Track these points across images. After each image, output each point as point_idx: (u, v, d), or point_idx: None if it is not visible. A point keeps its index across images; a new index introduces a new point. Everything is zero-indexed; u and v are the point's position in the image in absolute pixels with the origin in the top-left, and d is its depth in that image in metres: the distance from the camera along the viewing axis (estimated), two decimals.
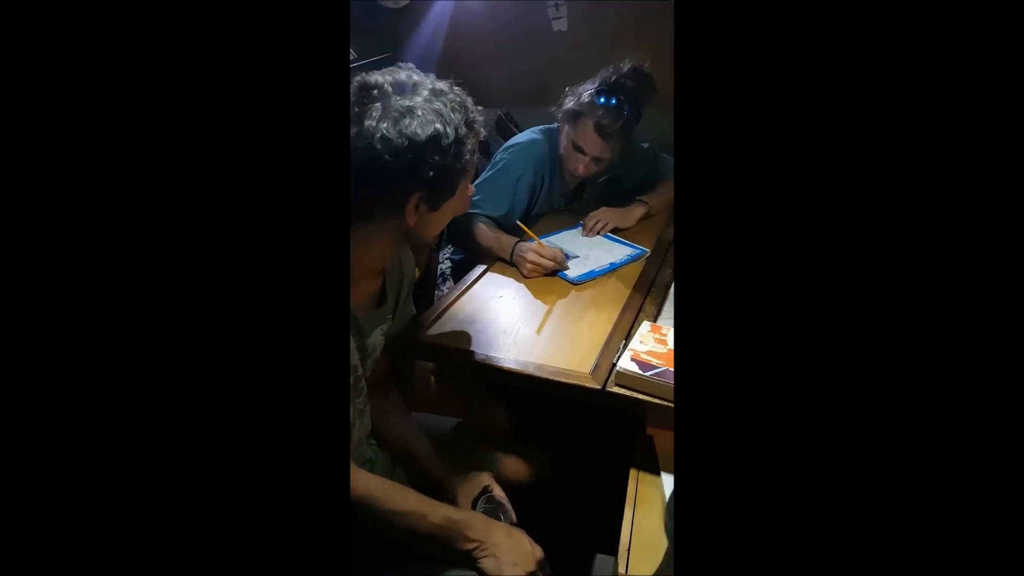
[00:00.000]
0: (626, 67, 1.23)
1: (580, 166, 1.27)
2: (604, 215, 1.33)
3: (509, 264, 1.16)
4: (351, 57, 1.56)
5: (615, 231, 1.33)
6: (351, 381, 0.77)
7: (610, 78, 1.22)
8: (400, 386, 0.96)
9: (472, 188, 0.79)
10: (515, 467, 0.95)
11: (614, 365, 0.81)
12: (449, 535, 0.71)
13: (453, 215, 0.77)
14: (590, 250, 1.24)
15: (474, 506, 0.81)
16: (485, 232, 1.20)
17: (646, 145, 1.47)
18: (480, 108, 0.72)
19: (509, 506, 0.82)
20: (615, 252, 1.23)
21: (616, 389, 0.79)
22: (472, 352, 0.90)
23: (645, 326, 0.88)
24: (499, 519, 0.78)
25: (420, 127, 0.64)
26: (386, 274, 0.83)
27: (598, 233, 1.31)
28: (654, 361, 0.78)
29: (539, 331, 0.96)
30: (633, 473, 0.75)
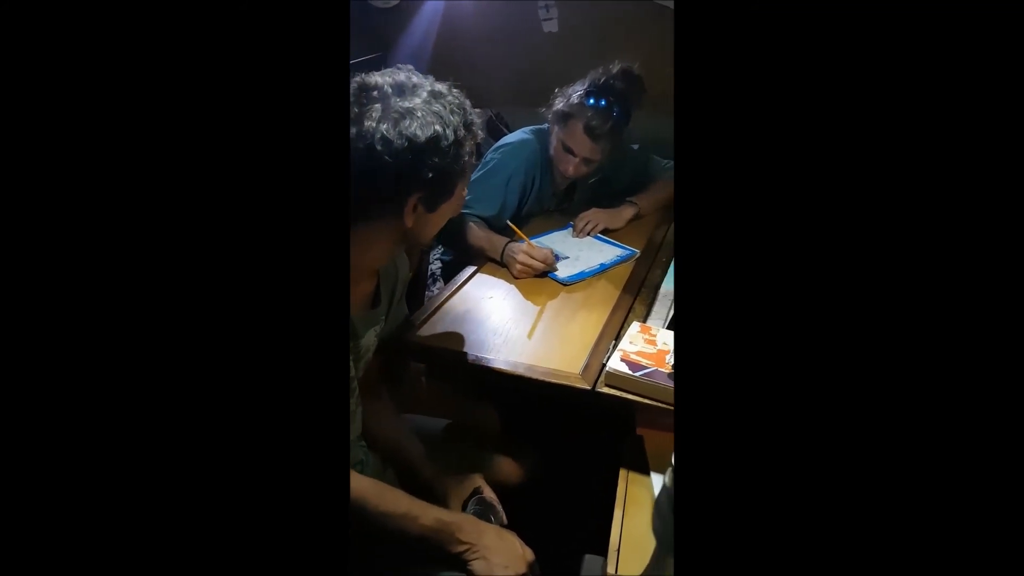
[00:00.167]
0: (616, 68, 1.24)
1: (570, 167, 1.27)
2: (594, 216, 1.33)
3: (499, 265, 1.16)
4: None
5: (605, 232, 1.33)
6: None
7: (600, 79, 1.22)
8: (392, 387, 0.96)
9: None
10: (506, 468, 0.95)
11: (604, 366, 0.81)
12: (440, 537, 0.71)
13: (450, 217, 0.77)
14: (580, 251, 1.24)
15: (465, 507, 0.81)
16: (476, 232, 1.20)
17: (636, 147, 1.47)
18: (477, 110, 0.72)
19: (499, 507, 0.82)
20: (605, 253, 1.23)
21: (606, 389, 0.80)
22: (462, 353, 0.90)
23: (635, 327, 0.88)
24: (490, 520, 0.78)
25: (420, 129, 0.64)
26: (380, 275, 0.82)
27: (588, 234, 1.31)
28: (644, 361, 0.79)
29: (530, 332, 0.96)
30: (623, 473, 0.75)
